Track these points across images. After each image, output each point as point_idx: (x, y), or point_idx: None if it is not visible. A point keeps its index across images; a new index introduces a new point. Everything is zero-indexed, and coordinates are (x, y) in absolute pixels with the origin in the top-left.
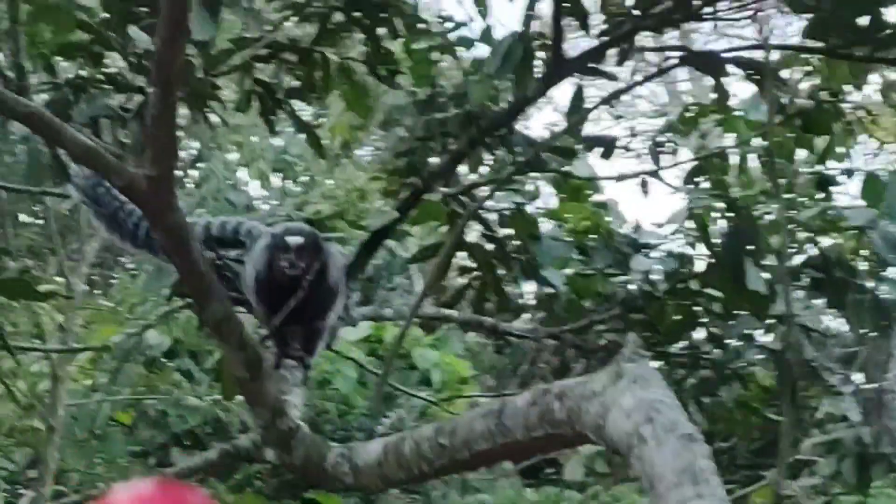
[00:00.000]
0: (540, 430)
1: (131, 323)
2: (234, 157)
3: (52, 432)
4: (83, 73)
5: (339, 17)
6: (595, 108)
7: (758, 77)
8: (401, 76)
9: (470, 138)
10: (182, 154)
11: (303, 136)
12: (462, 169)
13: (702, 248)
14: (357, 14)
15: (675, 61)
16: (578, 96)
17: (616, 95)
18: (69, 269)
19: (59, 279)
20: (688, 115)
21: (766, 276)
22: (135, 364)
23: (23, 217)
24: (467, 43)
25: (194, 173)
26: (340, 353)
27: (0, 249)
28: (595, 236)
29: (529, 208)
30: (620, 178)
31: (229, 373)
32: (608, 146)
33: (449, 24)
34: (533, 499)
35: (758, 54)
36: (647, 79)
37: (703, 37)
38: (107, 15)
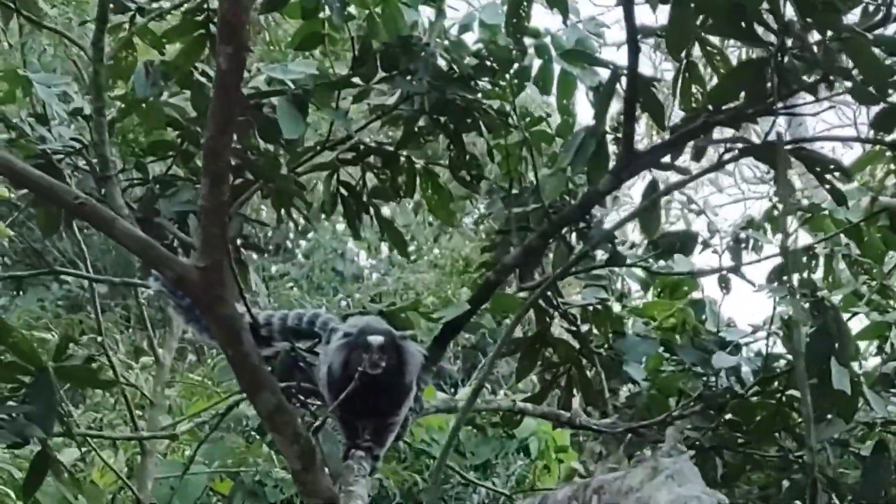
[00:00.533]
0: None
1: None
2: (342, 228)
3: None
4: (173, 171)
5: (423, 120)
6: (656, 196)
7: (818, 170)
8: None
9: (542, 232)
10: (290, 225)
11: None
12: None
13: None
14: (442, 118)
15: (735, 153)
16: (652, 189)
17: (679, 186)
18: (159, 342)
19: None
20: (775, 213)
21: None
22: (230, 434)
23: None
24: (546, 138)
25: (303, 243)
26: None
27: (64, 338)
28: (680, 333)
29: (616, 306)
30: (698, 273)
31: None
32: (688, 242)
33: (529, 120)
34: None
35: (818, 145)
36: (707, 171)
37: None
38: (195, 113)
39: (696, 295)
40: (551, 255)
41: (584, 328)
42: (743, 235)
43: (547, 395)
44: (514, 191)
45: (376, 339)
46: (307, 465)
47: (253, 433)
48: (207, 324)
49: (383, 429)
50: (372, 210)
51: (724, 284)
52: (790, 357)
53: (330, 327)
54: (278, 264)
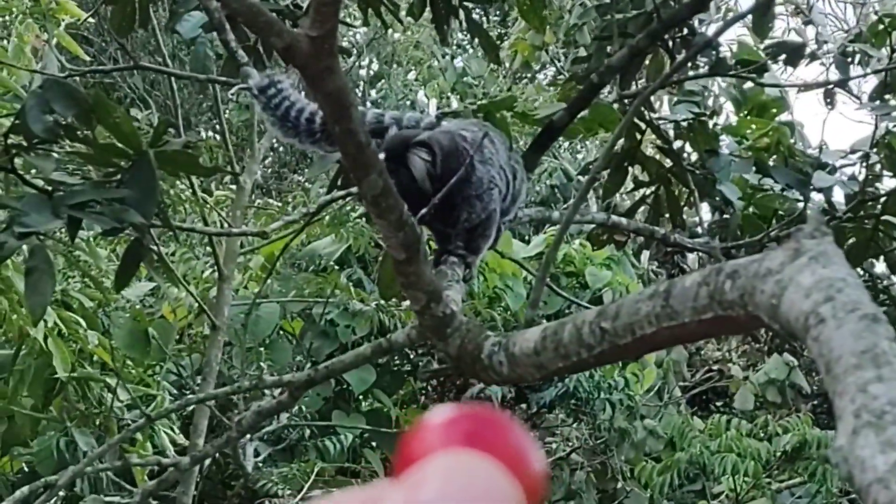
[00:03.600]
0: (709, 311)
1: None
2: (413, 77)
3: (217, 332)
4: None
5: None
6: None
7: None
8: None
9: (650, 32)
10: (361, 73)
11: (481, 55)
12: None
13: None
14: None
15: None
16: None
17: None
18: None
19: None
20: (880, 26)
21: None
22: (305, 273)
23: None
24: None
25: (372, 92)
26: (518, 261)
27: (163, 121)
28: (775, 154)
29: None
30: (805, 86)
31: (386, 270)
32: (794, 53)
33: None
34: (700, 426)
35: None
36: None
37: None
38: None
39: (784, 117)
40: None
41: (677, 145)
42: (851, 49)
43: (634, 214)
44: None
45: (416, 160)
46: (411, 255)
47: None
48: (300, 125)
49: (474, 235)
50: (462, 14)
51: (830, 99)
52: (890, 180)
53: (401, 125)
54: None
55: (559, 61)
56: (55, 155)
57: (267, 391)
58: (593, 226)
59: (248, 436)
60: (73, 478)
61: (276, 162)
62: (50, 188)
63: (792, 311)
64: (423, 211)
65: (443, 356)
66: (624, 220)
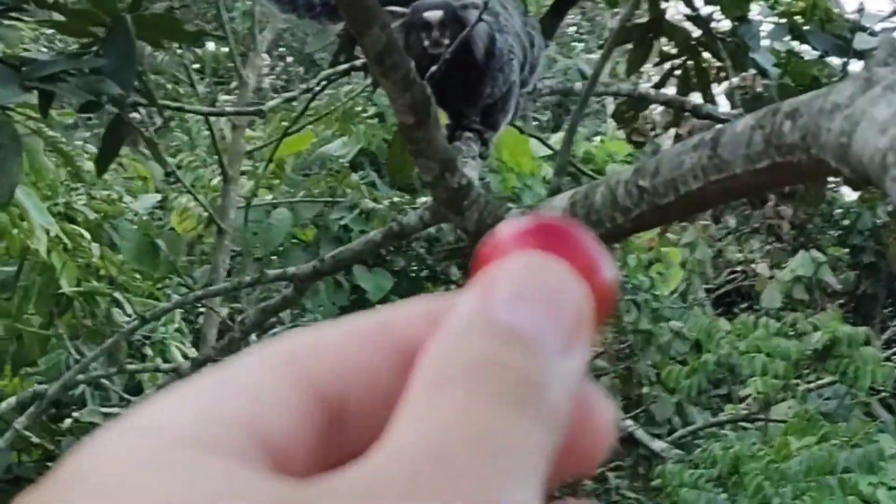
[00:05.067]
0: (765, 159)
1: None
2: None
3: (223, 236)
4: None
5: None
6: None
7: None
8: None
9: None
10: None
11: None
12: None
13: None
14: None
15: None
16: None
17: None
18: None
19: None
20: None
21: None
22: (317, 177)
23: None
24: None
25: None
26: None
27: None
28: (809, 20)
29: None
30: None
31: (394, 151)
32: None
33: None
34: (727, 327)
35: None
36: None
37: None
38: None
39: None
40: None
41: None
42: None
43: (661, 88)
44: None
45: (433, 15)
46: (421, 118)
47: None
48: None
49: (491, 110)
50: None
51: None
52: None
53: None
54: None
55: None
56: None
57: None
58: (619, 105)
59: (255, 335)
60: (65, 387)
61: (284, 74)
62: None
63: (866, 150)
64: (433, 69)
65: (460, 233)
66: (652, 91)
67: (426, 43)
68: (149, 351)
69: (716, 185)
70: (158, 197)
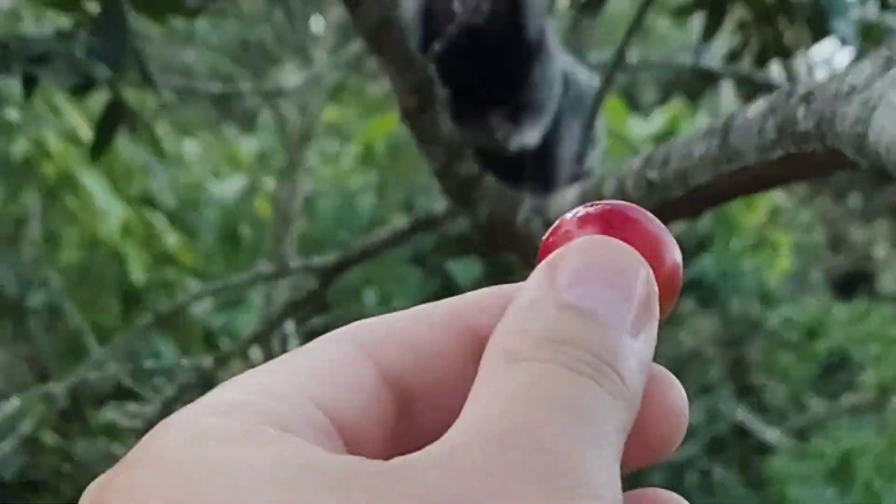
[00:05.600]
0: (778, 149)
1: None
2: None
3: (289, 225)
4: None
5: None
6: None
7: None
8: None
9: None
10: None
11: None
12: None
13: None
14: None
15: None
16: None
17: None
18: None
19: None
20: None
21: None
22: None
23: None
24: None
25: None
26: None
27: None
28: None
29: None
30: None
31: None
32: None
33: None
34: (841, 314)
35: None
36: None
37: None
38: None
39: None
40: None
41: None
42: None
43: (738, 59)
44: None
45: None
46: (424, 100)
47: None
48: None
49: (521, 113)
50: None
51: None
52: None
53: None
54: None
55: None
56: None
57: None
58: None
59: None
60: (76, 386)
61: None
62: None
63: (882, 139)
64: (436, 46)
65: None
66: (717, 66)
67: (457, 4)
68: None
69: (728, 178)
70: (245, 180)
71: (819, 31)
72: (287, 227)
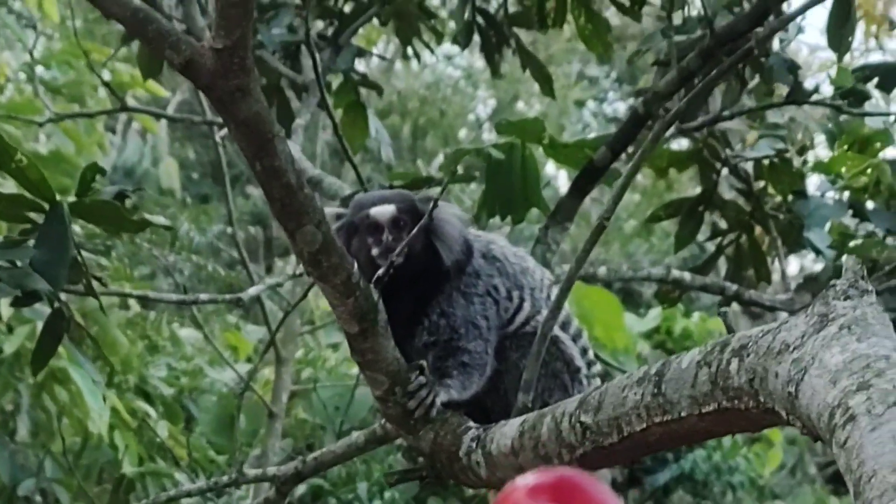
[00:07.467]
0: (711, 402)
1: None
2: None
3: (274, 420)
4: None
5: None
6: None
7: None
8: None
9: (702, 50)
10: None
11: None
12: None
13: None
14: None
15: None
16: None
17: None
18: None
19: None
20: None
21: None
22: None
23: None
24: None
25: None
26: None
27: (91, 167)
28: (873, 195)
29: (795, 160)
30: None
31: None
32: (890, 75)
33: None
34: None
35: None
36: None
37: None
38: None
39: (890, 152)
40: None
41: (758, 187)
42: None
43: (712, 267)
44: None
45: (383, 212)
46: (366, 327)
47: None
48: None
49: (448, 351)
50: (513, 42)
51: None
52: None
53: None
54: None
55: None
56: None
57: None
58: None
59: None
60: None
61: None
62: None
63: (813, 404)
64: (381, 271)
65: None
66: (688, 276)
67: (374, 251)
68: None
69: (661, 427)
70: (248, 366)
71: (792, 241)
72: (273, 424)
